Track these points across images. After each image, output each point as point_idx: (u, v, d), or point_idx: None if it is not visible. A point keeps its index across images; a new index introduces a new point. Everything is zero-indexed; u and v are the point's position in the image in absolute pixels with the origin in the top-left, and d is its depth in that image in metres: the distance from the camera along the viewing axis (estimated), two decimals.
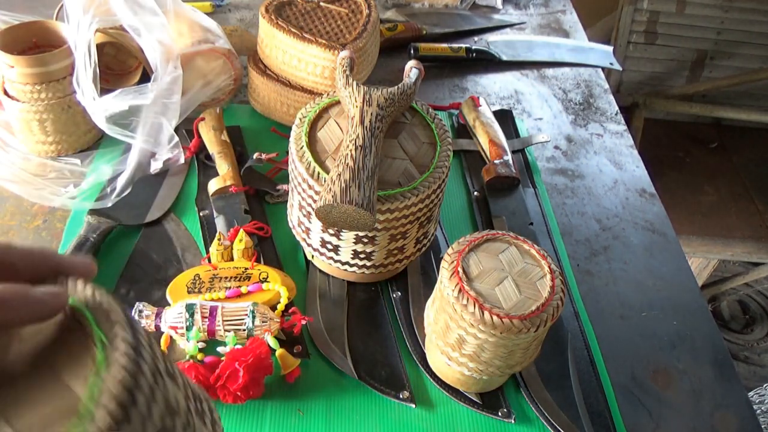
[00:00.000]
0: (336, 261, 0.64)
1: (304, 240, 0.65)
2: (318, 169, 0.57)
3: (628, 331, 0.70)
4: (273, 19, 0.82)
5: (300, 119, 0.62)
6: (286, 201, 0.68)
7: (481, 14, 1.25)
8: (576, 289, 0.73)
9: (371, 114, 0.58)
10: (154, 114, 0.77)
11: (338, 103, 0.64)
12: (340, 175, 0.53)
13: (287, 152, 0.83)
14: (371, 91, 0.61)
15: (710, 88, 1.99)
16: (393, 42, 1.09)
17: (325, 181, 0.56)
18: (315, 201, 0.58)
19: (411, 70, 0.66)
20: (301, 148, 0.59)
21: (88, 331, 0.27)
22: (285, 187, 0.78)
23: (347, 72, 0.63)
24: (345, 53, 0.67)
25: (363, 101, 0.60)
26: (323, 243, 0.63)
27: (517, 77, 1.09)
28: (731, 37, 1.93)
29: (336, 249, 0.62)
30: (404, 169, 0.59)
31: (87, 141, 0.83)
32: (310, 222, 0.62)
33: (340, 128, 0.61)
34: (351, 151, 0.55)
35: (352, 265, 0.63)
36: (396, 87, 0.62)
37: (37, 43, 0.80)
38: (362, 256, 0.62)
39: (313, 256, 0.67)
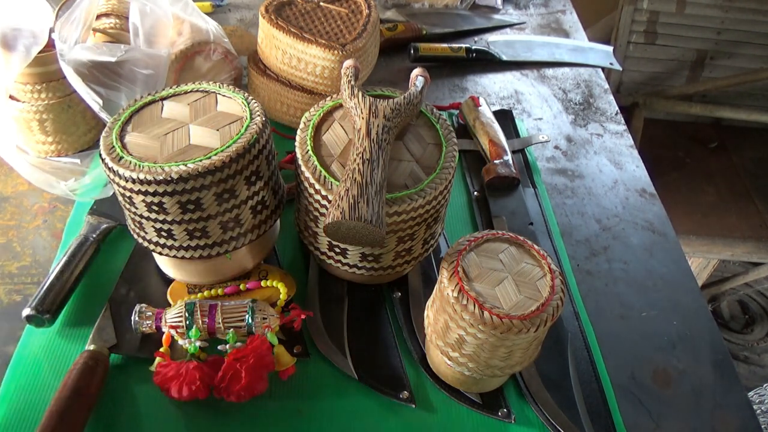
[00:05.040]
0: (344, 264, 0.64)
1: (312, 244, 0.65)
2: (324, 173, 0.57)
3: (628, 331, 0.70)
4: (273, 19, 0.82)
5: (304, 123, 0.62)
6: (287, 199, 0.68)
7: (481, 14, 1.25)
8: (576, 289, 0.73)
9: (378, 126, 0.58)
10: (118, 80, 0.76)
11: (342, 105, 0.64)
12: (348, 190, 0.53)
13: (287, 152, 0.83)
14: (377, 102, 0.60)
15: (710, 88, 1.99)
16: (393, 42, 1.09)
17: (332, 195, 0.56)
18: (322, 205, 0.58)
19: (417, 78, 0.65)
20: (307, 152, 0.59)
21: None
22: (286, 186, 0.78)
23: (352, 82, 0.63)
24: (349, 62, 0.66)
25: (369, 113, 0.59)
26: (331, 246, 0.62)
27: (517, 77, 1.09)
28: (731, 37, 1.93)
29: (344, 252, 0.62)
30: (410, 171, 0.59)
31: (87, 141, 0.83)
32: (317, 226, 0.62)
33: (345, 131, 0.61)
34: (358, 164, 0.55)
35: (360, 268, 0.63)
36: (402, 97, 0.62)
37: None
38: (370, 258, 0.62)
39: (320, 260, 0.67)
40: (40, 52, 0.76)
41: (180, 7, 0.84)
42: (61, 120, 0.79)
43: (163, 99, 0.61)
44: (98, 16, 0.86)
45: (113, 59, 0.74)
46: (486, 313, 0.50)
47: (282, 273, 0.68)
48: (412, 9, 1.22)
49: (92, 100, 0.73)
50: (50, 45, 0.79)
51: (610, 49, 1.20)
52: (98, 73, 0.75)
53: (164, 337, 0.60)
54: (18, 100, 0.77)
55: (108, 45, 0.76)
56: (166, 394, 0.56)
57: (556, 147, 0.95)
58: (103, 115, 0.74)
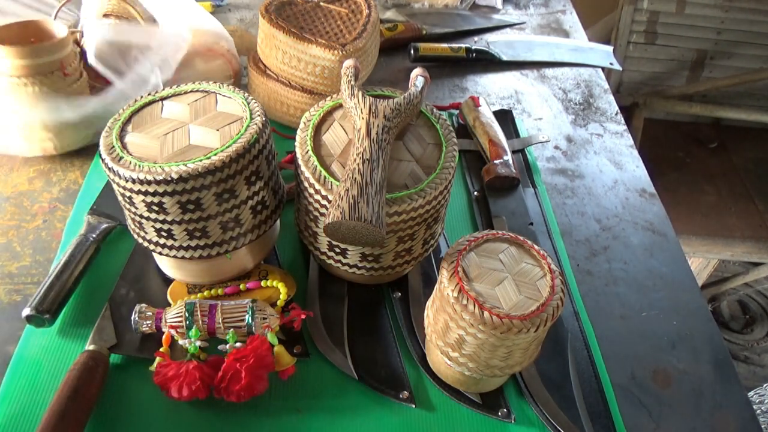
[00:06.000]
0: (344, 264, 0.64)
1: (312, 244, 0.65)
2: (324, 173, 0.57)
3: (628, 331, 0.70)
4: (273, 19, 0.82)
5: (304, 123, 0.62)
6: (287, 199, 0.68)
7: (481, 14, 1.25)
8: (576, 289, 0.73)
9: (378, 126, 0.58)
10: (150, 63, 0.76)
11: (342, 105, 0.64)
12: (348, 190, 0.53)
13: (287, 152, 0.83)
14: (377, 102, 0.60)
15: (710, 88, 1.99)
16: (393, 42, 1.09)
17: (332, 195, 0.55)
18: (322, 205, 0.58)
19: (417, 78, 0.65)
20: (307, 152, 0.59)
21: None
22: (287, 186, 0.78)
23: (352, 82, 0.63)
24: (349, 62, 0.66)
25: (369, 113, 0.59)
26: (331, 246, 0.62)
27: (517, 77, 1.09)
28: (731, 37, 1.94)
29: (344, 252, 0.62)
30: (410, 171, 0.59)
31: (83, 138, 0.82)
32: (317, 226, 0.62)
33: (345, 131, 0.61)
34: (358, 164, 0.55)
35: (360, 268, 0.63)
36: (402, 97, 0.62)
37: (35, 43, 0.80)
38: (370, 258, 0.62)
39: (320, 260, 0.67)
40: (31, 43, 0.76)
41: (183, 7, 0.85)
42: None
43: (163, 99, 0.61)
44: None
45: (149, 43, 0.75)
46: (486, 313, 0.50)
47: (282, 273, 0.68)
48: (412, 9, 1.22)
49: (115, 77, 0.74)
50: (43, 37, 0.79)
51: (610, 49, 1.20)
52: (118, 52, 0.77)
53: (164, 337, 0.60)
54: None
55: (137, 26, 0.77)
56: (166, 394, 0.56)
57: (556, 147, 0.95)
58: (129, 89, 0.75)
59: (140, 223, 0.59)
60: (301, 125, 0.62)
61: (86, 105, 0.76)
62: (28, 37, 0.79)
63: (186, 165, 0.53)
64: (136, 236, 0.61)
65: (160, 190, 0.53)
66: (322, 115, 0.63)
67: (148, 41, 0.77)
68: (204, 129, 0.58)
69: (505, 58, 1.11)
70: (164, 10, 0.83)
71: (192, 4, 0.88)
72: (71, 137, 0.82)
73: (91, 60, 0.76)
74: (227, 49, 0.87)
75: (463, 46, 1.09)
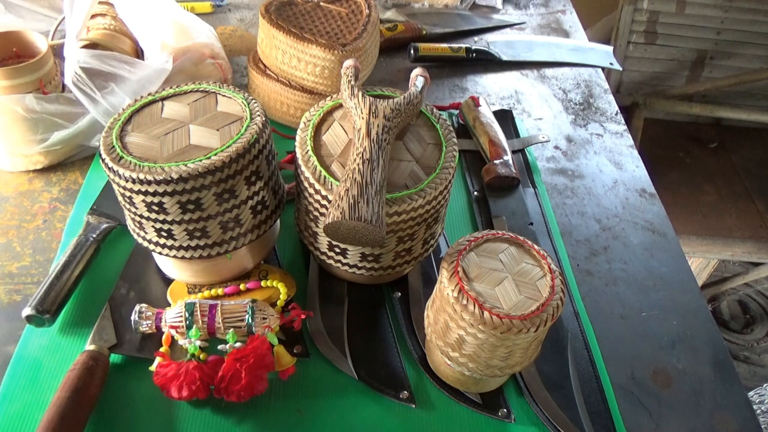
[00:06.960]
0: (344, 264, 0.64)
1: (312, 244, 0.65)
2: (324, 173, 0.57)
3: (628, 331, 0.70)
4: (273, 19, 0.82)
5: (304, 123, 0.62)
6: (287, 199, 0.68)
7: (481, 14, 1.25)
8: (576, 289, 0.73)
9: (378, 126, 0.58)
10: (123, 95, 0.76)
11: (342, 105, 0.64)
12: (348, 190, 0.53)
13: (287, 152, 0.83)
14: (377, 102, 0.60)
15: (710, 88, 1.99)
16: (393, 42, 1.09)
17: (332, 195, 0.56)
18: (322, 205, 0.58)
19: (417, 78, 0.65)
20: (307, 152, 0.59)
21: None
22: (287, 186, 0.78)
23: (352, 82, 0.63)
24: (349, 62, 0.66)
25: (369, 113, 0.59)
26: (331, 246, 0.62)
27: (517, 77, 1.09)
28: (731, 37, 1.94)
29: (344, 252, 0.62)
30: (410, 171, 0.59)
31: (68, 152, 0.81)
32: (317, 226, 0.62)
33: (345, 131, 0.61)
34: (358, 164, 0.55)
35: (360, 268, 0.63)
36: (402, 97, 0.62)
37: (18, 53, 0.79)
38: (370, 258, 0.62)
39: (320, 260, 0.67)
40: (19, 62, 0.75)
41: (170, 11, 0.84)
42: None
43: (163, 99, 0.61)
44: (93, 16, 0.86)
45: (127, 75, 0.75)
46: (486, 313, 0.50)
47: (282, 273, 0.68)
48: (412, 9, 1.22)
49: (91, 104, 0.73)
50: (31, 56, 0.79)
51: (610, 49, 1.20)
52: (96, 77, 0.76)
53: (164, 337, 0.60)
54: None
55: (122, 57, 0.76)
56: (166, 394, 0.56)
57: (556, 147, 0.95)
58: (101, 118, 0.74)
59: (140, 223, 0.59)
60: (301, 125, 0.62)
61: (54, 136, 0.76)
62: (9, 47, 0.79)
63: (186, 165, 0.53)
64: (136, 236, 0.61)
65: (160, 190, 0.53)
66: (322, 115, 0.63)
67: (128, 74, 0.77)
68: (204, 129, 0.58)
69: (505, 58, 1.11)
70: (148, 24, 0.81)
71: (179, 11, 0.87)
72: (56, 153, 0.80)
73: (68, 83, 0.76)
74: (216, 53, 0.87)
75: (463, 46, 1.09)
